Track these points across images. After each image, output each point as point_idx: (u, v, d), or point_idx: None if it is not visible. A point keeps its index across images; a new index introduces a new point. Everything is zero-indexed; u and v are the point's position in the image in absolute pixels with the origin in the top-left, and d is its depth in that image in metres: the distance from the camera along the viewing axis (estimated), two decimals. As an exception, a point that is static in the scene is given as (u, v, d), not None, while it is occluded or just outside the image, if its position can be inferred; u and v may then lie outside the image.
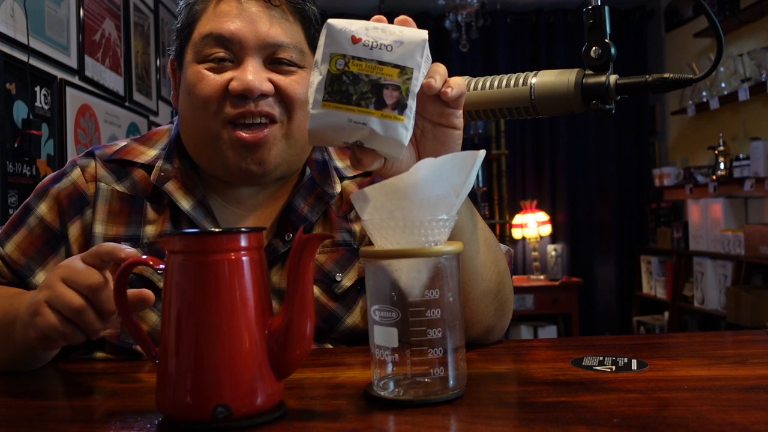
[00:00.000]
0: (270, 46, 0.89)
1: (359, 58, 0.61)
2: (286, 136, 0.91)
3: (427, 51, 0.63)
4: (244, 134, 0.88)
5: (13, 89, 2.16)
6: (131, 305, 0.65)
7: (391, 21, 0.65)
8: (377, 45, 0.61)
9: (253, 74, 0.87)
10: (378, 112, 0.61)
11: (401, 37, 0.62)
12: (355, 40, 0.61)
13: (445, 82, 0.65)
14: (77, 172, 0.97)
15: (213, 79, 0.88)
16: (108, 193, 0.95)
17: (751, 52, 3.49)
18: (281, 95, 0.90)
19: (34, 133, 2.22)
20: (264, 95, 0.88)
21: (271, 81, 0.89)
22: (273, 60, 0.90)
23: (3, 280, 0.93)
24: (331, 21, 0.62)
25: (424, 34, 0.62)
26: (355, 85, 0.61)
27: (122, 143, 1.01)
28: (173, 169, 0.95)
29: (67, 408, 0.66)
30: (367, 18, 0.65)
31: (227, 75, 0.88)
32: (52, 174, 0.99)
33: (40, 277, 0.92)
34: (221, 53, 0.89)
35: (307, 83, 0.91)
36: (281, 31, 0.90)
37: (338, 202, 0.99)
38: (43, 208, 0.94)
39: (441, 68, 0.66)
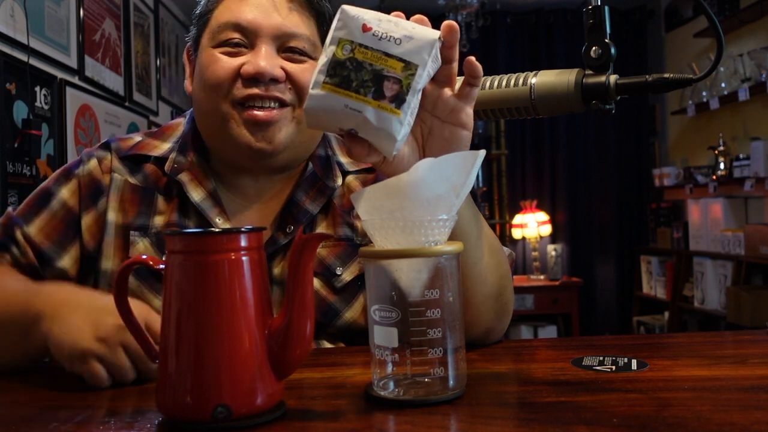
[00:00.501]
0: (285, 35, 0.92)
1: (366, 47, 0.62)
2: (296, 120, 0.94)
3: (436, 52, 0.63)
4: (256, 112, 0.90)
5: (13, 89, 2.16)
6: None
7: None
8: (386, 37, 0.61)
9: (266, 59, 0.90)
10: (375, 102, 0.61)
11: (412, 33, 0.62)
12: (365, 29, 0.62)
13: (476, 75, 0.67)
14: (94, 162, 0.99)
15: (226, 62, 0.91)
16: (121, 184, 0.98)
17: (751, 52, 3.48)
18: (292, 82, 0.92)
19: (34, 133, 2.22)
20: (275, 80, 0.90)
21: (282, 68, 0.91)
22: (286, 48, 0.93)
23: (23, 260, 0.93)
24: (345, 7, 0.63)
25: (436, 34, 0.63)
26: (357, 72, 0.61)
27: (137, 138, 1.03)
28: (186, 161, 0.97)
29: (67, 408, 0.66)
30: None
31: (241, 59, 0.91)
32: (70, 162, 1.01)
33: (65, 261, 0.93)
34: (236, 38, 0.92)
35: None
36: (296, 21, 0.93)
37: (341, 196, 1.00)
38: (65, 193, 0.96)
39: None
